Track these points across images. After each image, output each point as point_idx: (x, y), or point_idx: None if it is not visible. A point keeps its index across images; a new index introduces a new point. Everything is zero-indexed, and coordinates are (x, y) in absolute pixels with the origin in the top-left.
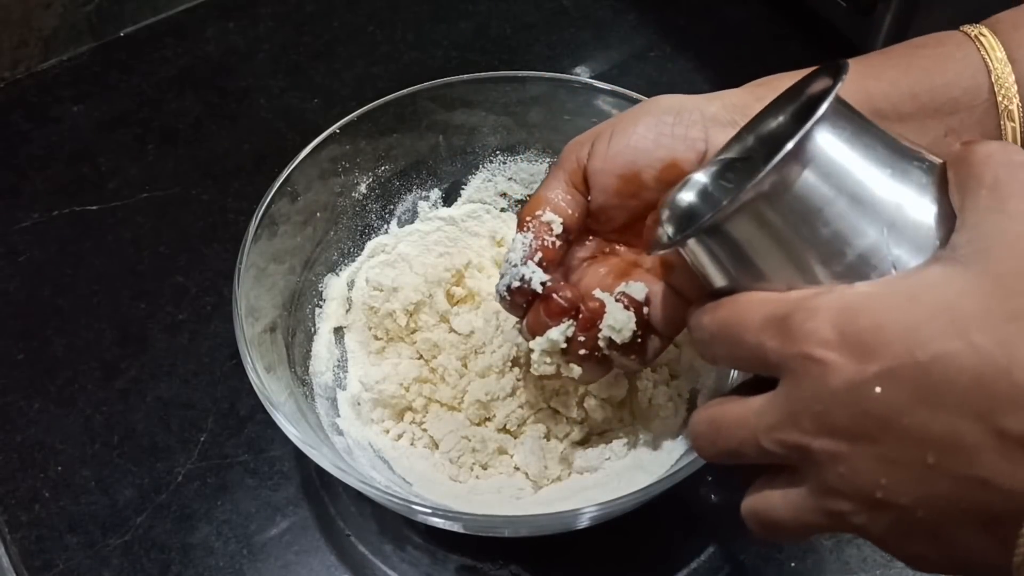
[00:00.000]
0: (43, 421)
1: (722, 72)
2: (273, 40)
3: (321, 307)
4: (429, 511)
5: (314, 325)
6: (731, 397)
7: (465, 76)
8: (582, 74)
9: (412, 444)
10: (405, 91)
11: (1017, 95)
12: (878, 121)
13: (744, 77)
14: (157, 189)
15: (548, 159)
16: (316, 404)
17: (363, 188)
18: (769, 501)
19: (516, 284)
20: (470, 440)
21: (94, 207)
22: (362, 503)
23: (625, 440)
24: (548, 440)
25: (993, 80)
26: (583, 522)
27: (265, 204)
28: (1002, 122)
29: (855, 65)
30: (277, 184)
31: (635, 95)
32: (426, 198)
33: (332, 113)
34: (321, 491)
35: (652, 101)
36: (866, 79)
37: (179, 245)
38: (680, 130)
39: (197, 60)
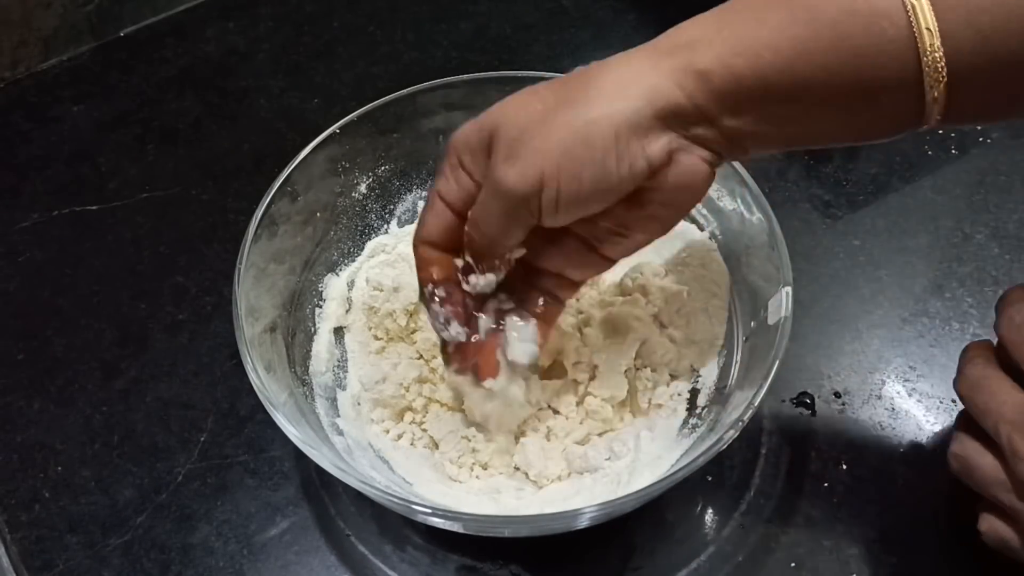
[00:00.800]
0: (43, 421)
1: None
2: (273, 40)
3: (321, 307)
4: (429, 511)
5: (314, 325)
6: (1002, 374)
7: (465, 76)
8: None
9: (412, 444)
10: (405, 91)
11: (945, 78)
12: (793, 101)
13: None
14: (157, 189)
15: None
16: (316, 404)
17: (363, 188)
18: (979, 460)
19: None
20: (470, 440)
21: (94, 207)
22: (362, 503)
23: (625, 440)
24: (548, 440)
25: (923, 64)
26: (583, 522)
27: (265, 204)
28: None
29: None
30: (277, 184)
31: None
32: (426, 198)
33: (332, 113)
34: (321, 491)
35: (581, 123)
36: (794, 57)
37: (179, 245)
38: (624, 167)
39: (197, 60)
